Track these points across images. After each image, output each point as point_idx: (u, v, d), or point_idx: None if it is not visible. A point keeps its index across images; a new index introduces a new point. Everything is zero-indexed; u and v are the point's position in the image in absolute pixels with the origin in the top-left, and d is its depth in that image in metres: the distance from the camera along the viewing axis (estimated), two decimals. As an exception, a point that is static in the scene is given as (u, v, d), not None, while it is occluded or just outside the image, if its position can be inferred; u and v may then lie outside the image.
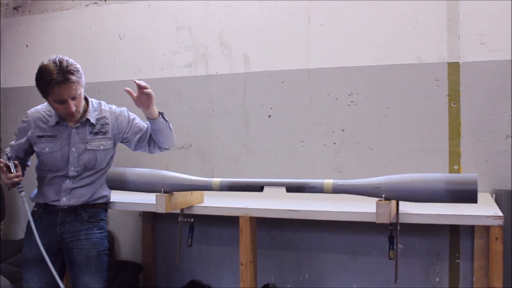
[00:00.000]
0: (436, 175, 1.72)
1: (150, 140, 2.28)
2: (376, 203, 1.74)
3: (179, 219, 2.19)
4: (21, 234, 2.25)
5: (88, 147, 2.17)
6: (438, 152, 2.54)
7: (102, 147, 2.20)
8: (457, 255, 2.53)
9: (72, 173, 2.16)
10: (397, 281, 1.87)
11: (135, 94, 2.14)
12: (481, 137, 2.48)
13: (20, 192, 2.07)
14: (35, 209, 2.22)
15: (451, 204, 1.86)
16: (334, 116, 2.74)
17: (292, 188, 1.89)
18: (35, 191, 2.25)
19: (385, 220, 1.73)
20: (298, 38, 2.80)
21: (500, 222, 1.78)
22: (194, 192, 2.21)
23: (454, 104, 2.52)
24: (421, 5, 2.55)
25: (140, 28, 3.18)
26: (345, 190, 1.82)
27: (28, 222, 2.14)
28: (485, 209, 1.91)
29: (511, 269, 2.20)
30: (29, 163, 2.31)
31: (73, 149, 2.16)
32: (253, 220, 2.14)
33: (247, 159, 2.94)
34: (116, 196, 2.37)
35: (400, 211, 1.88)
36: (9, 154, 2.11)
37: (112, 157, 2.28)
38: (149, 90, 2.11)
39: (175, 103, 3.08)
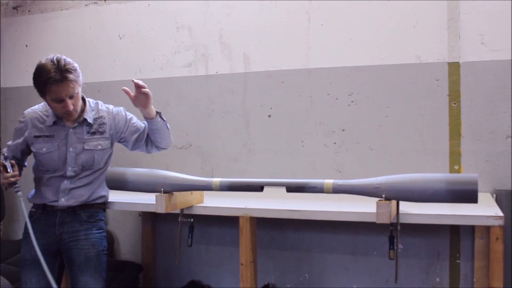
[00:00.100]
0: (437, 175, 1.72)
1: (148, 140, 2.28)
2: (376, 203, 1.74)
3: (179, 219, 2.19)
4: (20, 234, 2.23)
5: (86, 147, 2.16)
6: (438, 152, 2.54)
7: (99, 147, 2.19)
8: (457, 255, 2.52)
9: (69, 173, 2.15)
10: (397, 281, 1.87)
11: (132, 94, 2.14)
12: (482, 137, 2.48)
13: (16, 192, 2.04)
14: (33, 209, 2.21)
15: (451, 204, 1.86)
16: (334, 116, 2.73)
17: (292, 188, 1.89)
18: (33, 191, 2.23)
19: (385, 220, 1.73)
20: (298, 38, 2.80)
21: (500, 222, 1.77)
22: (194, 192, 2.21)
23: (454, 104, 2.52)
24: (421, 5, 2.55)
25: (140, 28, 3.17)
26: (345, 190, 1.82)
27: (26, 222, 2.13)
28: (485, 209, 1.90)
29: (511, 269, 2.19)
30: (26, 163, 2.29)
31: (71, 149, 2.15)
32: (253, 220, 2.14)
33: (247, 159, 2.93)
34: (116, 196, 2.36)
35: (400, 211, 1.87)
36: (5, 154, 2.10)
37: (109, 157, 2.27)
38: (146, 90, 2.11)
39: (175, 103, 3.08)
